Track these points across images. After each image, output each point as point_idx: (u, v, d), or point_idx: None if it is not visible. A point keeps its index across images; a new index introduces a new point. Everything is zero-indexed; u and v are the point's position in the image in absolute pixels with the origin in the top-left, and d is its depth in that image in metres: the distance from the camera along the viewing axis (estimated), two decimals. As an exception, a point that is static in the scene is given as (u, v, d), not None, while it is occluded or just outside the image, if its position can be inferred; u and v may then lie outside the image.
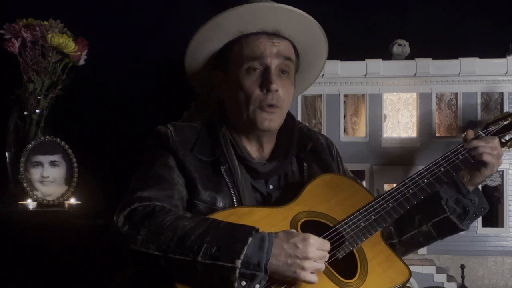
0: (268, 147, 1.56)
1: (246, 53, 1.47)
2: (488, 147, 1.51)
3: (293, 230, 1.31)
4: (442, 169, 1.51)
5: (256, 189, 1.50)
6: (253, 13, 1.46)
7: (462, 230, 1.56)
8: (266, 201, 1.50)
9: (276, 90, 1.45)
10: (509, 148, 1.58)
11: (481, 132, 1.58)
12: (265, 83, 1.45)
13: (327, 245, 1.30)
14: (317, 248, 1.26)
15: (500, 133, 1.57)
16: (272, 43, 1.48)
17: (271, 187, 1.53)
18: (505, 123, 1.58)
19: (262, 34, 1.49)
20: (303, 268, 1.24)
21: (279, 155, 1.54)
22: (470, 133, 1.58)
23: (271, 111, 1.46)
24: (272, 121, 1.48)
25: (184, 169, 1.44)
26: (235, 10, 1.46)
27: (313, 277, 1.26)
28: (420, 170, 1.51)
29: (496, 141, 1.53)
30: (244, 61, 1.47)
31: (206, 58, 1.56)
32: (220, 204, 1.42)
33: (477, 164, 1.53)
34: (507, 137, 1.58)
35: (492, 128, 1.58)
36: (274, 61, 1.47)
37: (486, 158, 1.50)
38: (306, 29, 1.53)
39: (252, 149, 1.54)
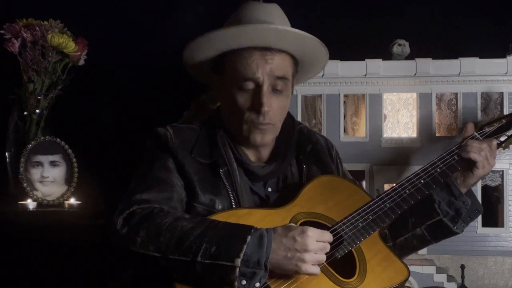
0: (266, 150, 1.55)
1: (238, 69, 1.44)
2: (475, 146, 1.50)
3: (292, 224, 1.32)
4: (438, 169, 1.51)
5: (254, 192, 1.50)
6: (242, 34, 1.43)
7: (457, 233, 1.55)
8: (264, 203, 1.50)
9: (268, 111, 1.44)
10: (504, 149, 1.58)
11: (476, 134, 1.58)
12: (256, 104, 1.43)
13: (326, 235, 1.30)
14: (316, 240, 1.26)
15: (494, 134, 1.57)
16: (265, 61, 1.44)
17: (269, 189, 1.52)
18: (500, 125, 1.58)
19: (255, 49, 1.44)
20: (303, 261, 1.24)
21: (278, 157, 1.54)
22: (470, 127, 1.58)
23: (264, 128, 1.46)
24: (265, 136, 1.47)
25: (183, 172, 1.44)
26: (224, 31, 1.43)
27: (315, 269, 1.26)
28: (417, 171, 1.51)
29: (487, 142, 1.52)
30: (237, 77, 1.44)
31: (203, 62, 1.54)
32: (218, 206, 1.42)
33: (467, 164, 1.52)
34: (502, 139, 1.58)
35: (487, 129, 1.59)
36: (266, 81, 1.44)
37: (474, 156, 1.49)
38: (301, 43, 1.48)
39: (250, 152, 1.54)
